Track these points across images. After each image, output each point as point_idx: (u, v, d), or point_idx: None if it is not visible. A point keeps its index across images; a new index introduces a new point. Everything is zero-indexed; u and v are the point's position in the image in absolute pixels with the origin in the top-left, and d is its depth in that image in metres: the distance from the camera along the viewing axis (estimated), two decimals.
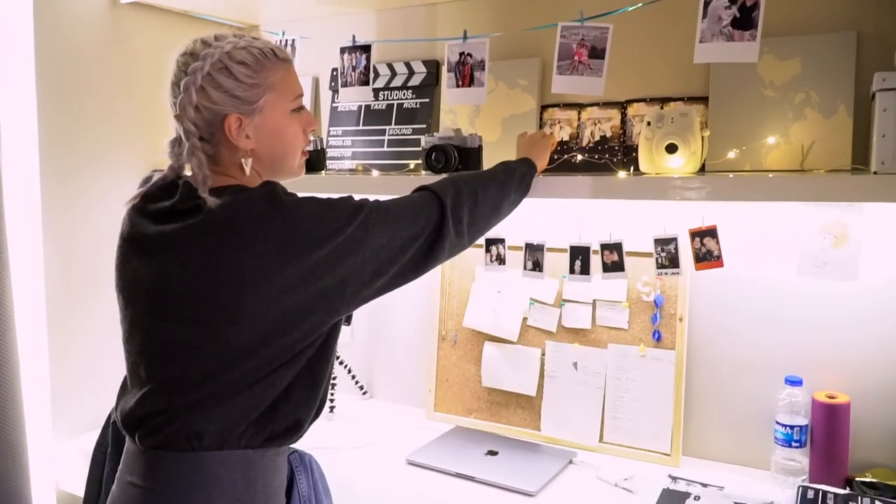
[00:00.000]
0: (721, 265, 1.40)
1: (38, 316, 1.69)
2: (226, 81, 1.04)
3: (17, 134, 1.64)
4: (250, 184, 1.08)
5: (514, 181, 1.33)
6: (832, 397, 1.44)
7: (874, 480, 1.39)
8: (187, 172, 1.09)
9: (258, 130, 1.08)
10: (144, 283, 1.05)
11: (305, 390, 1.06)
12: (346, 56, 1.71)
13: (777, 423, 1.47)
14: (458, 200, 1.19)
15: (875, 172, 1.16)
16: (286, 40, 1.82)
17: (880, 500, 1.28)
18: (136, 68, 1.88)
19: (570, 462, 1.60)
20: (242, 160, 1.08)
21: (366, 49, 1.68)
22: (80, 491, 1.24)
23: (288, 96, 1.11)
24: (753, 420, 1.55)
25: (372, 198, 1.11)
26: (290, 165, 1.15)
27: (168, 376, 1.02)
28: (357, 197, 1.09)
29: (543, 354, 1.76)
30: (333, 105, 2.02)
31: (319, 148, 1.77)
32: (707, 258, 1.41)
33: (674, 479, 1.48)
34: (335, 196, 1.07)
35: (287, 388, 1.03)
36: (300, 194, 1.06)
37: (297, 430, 1.07)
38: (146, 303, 1.05)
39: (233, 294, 0.98)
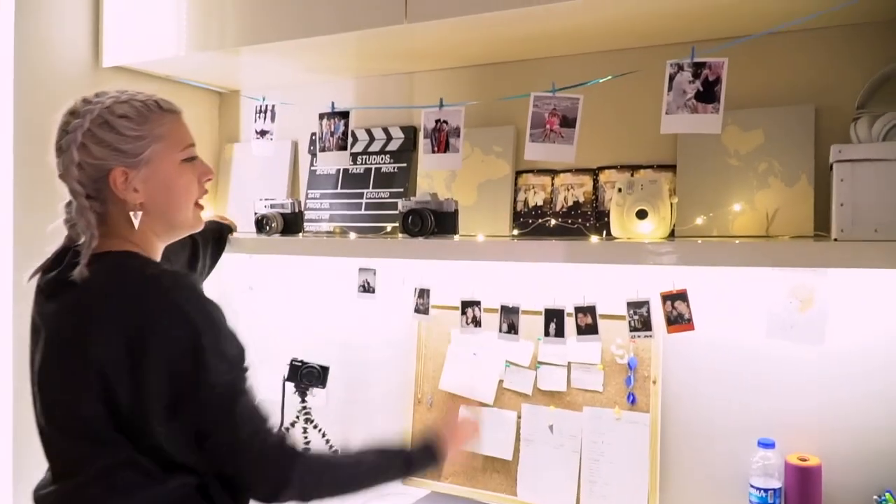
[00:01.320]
0: (692, 328, 1.43)
1: (3, 387, 1.65)
2: (107, 136, 1.05)
3: None
4: (141, 242, 1.07)
5: (399, 476, 1.26)
6: (804, 460, 1.46)
7: None
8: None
9: (147, 183, 1.07)
10: (35, 367, 1.06)
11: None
12: (324, 122, 1.75)
13: (751, 486, 1.48)
14: (316, 493, 1.14)
15: (836, 239, 1.20)
16: (266, 105, 1.85)
17: None
18: None
19: None
20: (131, 214, 1.06)
21: (344, 115, 1.72)
22: None
23: (176, 146, 1.11)
24: (728, 483, 1.55)
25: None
26: (184, 217, 1.14)
27: (52, 463, 1.03)
28: (248, 359, 1.07)
29: (519, 417, 1.75)
30: (312, 168, 2.05)
31: (297, 210, 1.79)
32: (678, 321, 1.44)
33: None
34: (232, 334, 1.05)
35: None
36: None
37: None
38: (35, 387, 1.06)
39: (89, 381, 0.97)
